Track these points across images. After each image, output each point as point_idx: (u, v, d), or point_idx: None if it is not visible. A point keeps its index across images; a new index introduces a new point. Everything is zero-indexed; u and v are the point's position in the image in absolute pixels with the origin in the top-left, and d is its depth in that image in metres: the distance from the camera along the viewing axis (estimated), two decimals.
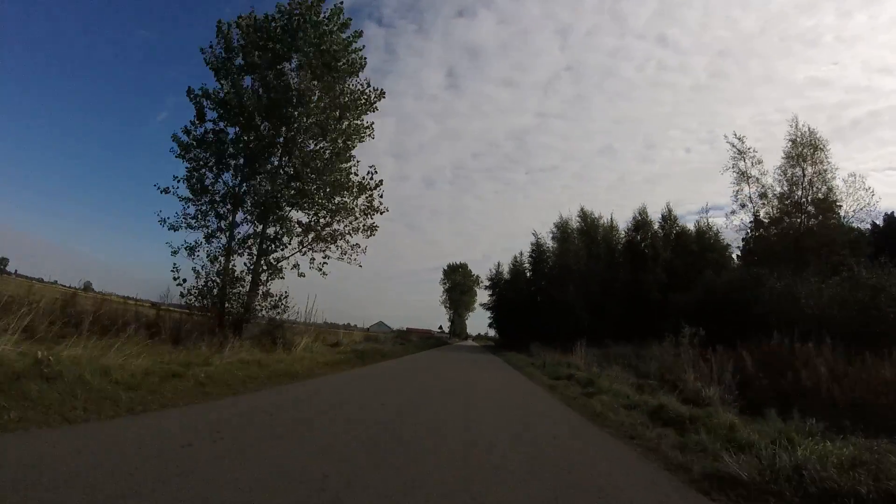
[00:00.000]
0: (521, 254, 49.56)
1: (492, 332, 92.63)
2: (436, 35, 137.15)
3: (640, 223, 39.19)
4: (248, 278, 13.88)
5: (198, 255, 13.65)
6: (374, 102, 14.99)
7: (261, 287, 13.68)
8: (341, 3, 14.72)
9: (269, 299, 13.72)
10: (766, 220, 28.45)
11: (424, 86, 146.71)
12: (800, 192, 27.56)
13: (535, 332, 34.66)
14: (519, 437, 6.00)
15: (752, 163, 29.80)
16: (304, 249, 14.16)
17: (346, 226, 14.38)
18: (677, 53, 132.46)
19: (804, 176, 27.87)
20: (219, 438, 4.40)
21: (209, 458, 3.80)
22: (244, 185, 14.13)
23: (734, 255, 34.77)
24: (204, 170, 14.04)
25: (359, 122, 14.69)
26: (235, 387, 7.63)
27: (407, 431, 5.76)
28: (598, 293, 33.09)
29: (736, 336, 14.09)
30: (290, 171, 14.41)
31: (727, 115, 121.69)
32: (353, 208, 14.36)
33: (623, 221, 40.42)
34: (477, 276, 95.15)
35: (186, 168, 14.06)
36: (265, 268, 13.73)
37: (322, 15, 14.38)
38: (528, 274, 44.14)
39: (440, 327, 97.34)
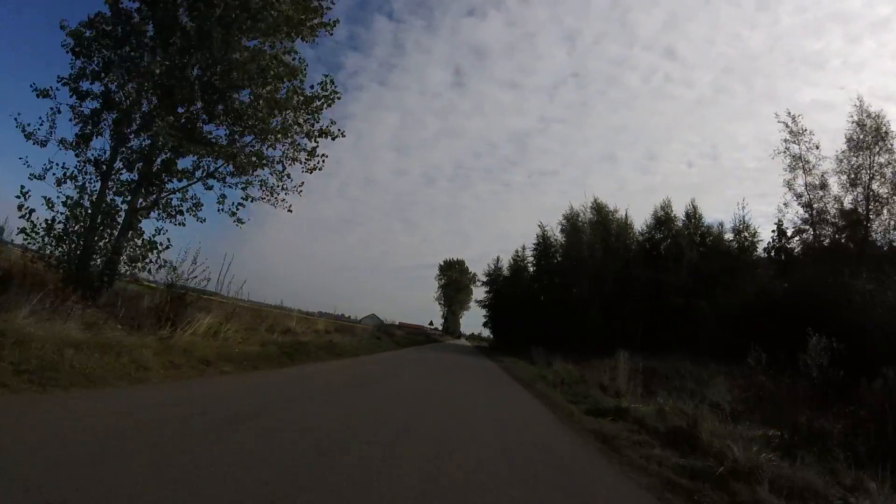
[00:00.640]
0: (524, 248, 44.78)
1: (486, 333, 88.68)
2: (444, 32, 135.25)
3: (663, 220, 34.41)
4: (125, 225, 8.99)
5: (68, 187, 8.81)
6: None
7: (132, 236, 8.80)
8: None
9: (137, 248, 8.80)
10: (831, 214, 23.68)
11: (429, 82, 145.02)
12: (868, 182, 22.92)
13: (537, 334, 29.85)
14: None
15: (808, 147, 25.21)
16: (206, 176, 9.28)
17: (282, 150, 9.54)
18: (683, 67, 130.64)
19: (871, 165, 23.23)
20: None
21: None
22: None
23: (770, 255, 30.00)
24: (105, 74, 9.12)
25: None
26: None
27: None
28: (614, 292, 28.25)
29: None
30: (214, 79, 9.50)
31: (729, 132, 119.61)
32: (292, 125, 9.48)
33: (638, 221, 35.62)
34: (473, 274, 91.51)
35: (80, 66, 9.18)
36: (146, 204, 8.87)
37: None
38: (530, 269, 39.19)
39: (430, 322, 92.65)
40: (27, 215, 8.49)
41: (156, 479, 2.64)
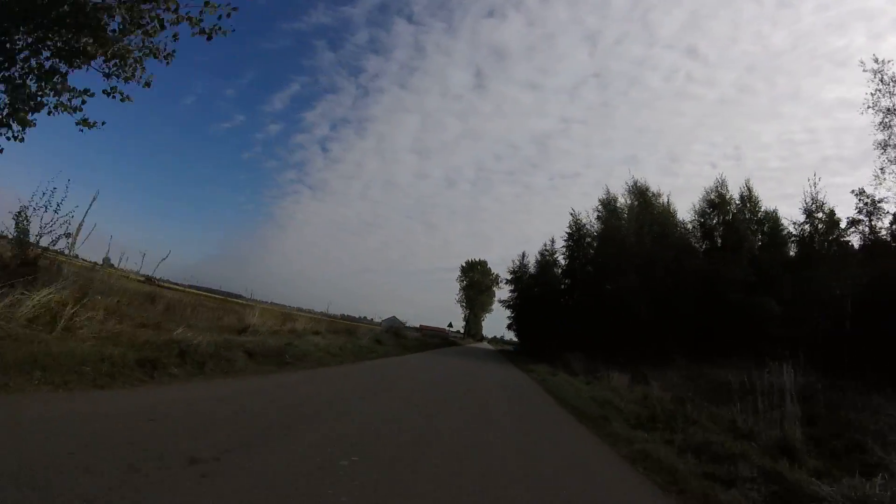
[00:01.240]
0: (552, 241, 40.37)
1: (509, 336, 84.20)
2: (464, 34, 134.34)
3: (717, 203, 29.67)
4: None
5: None
6: None
7: None
8: None
9: None
10: None
11: (449, 84, 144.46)
12: None
13: (571, 337, 25.64)
14: None
15: None
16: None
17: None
18: (705, 66, 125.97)
19: None
20: None
21: None
22: None
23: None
24: None
25: None
26: None
27: None
28: (666, 286, 23.78)
29: None
30: None
31: (753, 132, 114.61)
32: None
33: (682, 209, 30.92)
34: (496, 275, 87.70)
35: None
36: None
37: None
38: (562, 262, 34.64)
39: (450, 324, 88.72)
40: None
41: None
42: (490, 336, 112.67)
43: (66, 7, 5.20)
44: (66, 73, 5.82)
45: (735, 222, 28.75)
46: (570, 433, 6.99)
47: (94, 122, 5.98)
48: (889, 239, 24.49)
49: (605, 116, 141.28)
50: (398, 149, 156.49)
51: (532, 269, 45.78)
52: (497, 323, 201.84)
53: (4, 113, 5.52)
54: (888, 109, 20.26)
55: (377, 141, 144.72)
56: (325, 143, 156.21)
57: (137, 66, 5.99)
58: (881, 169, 20.56)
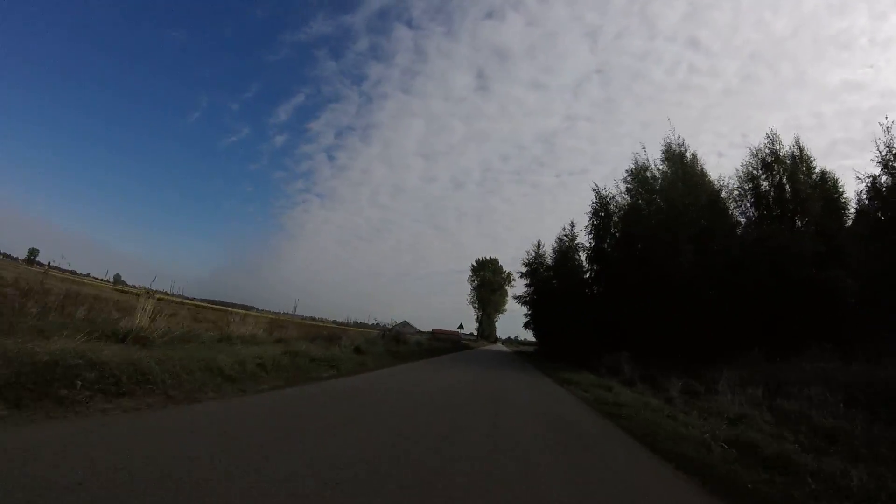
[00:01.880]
0: (572, 225, 35.43)
1: (524, 335, 79.07)
2: (464, 37, 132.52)
3: (770, 162, 24.71)
4: None
5: None
6: None
7: None
8: None
9: None
10: None
11: (452, 87, 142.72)
12: None
13: (609, 334, 20.81)
14: None
15: None
16: None
17: None
18: (708, 56, 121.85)
19: None
20: None
21: None
22: None
23: None
24: None
25: None
26: None
27: None
28: (724, 264, 18.85)
29: None
30: None
31: (758, 120, 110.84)
32: None
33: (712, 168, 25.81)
34: (508, 273, 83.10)
35: None
36: None
37: None
38: (588, 244, 29.25)
39: (460, 326, 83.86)
40: None
41: None
42: (504, 337, 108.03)
43: None
44: None
45: (794, 184, 23.81)
46: None
47: None
48: None
49: (609, 112, 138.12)
50: (404, 153, 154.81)
51: (549, 259, 40.92)
52: (511, 323, 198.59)
53: None
54: None
55: (383, 147, 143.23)
56: (332, 152, 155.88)
57: None
58: None
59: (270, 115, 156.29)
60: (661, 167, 25.13)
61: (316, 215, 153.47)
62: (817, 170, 25.40)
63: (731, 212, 24.30)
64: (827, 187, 24.64)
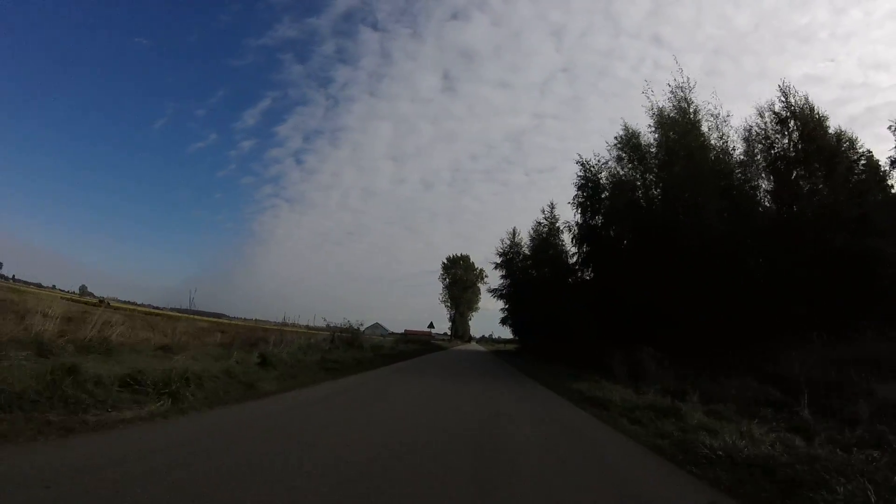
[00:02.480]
0: (552, 206, 31.17)
1: (499, 332, 75.15)
2: (430, 38, 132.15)
3: (785, 117, 21.10)
4: None
5: None
6: None
7: None
8: None
9: None
10: None
11: (419, 89, 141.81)
12: None
13: (617, 328, 16.45)
14: None
15: None
16: None
17: None
18: (672, 52, 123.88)
19: None
20: None
21: None
22: None
23: None
24: None
25: None
26: None
27: None
28: (760, 230, 14.71)
29: None
30: None
31: (724, 112, 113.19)
32: None
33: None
34: (480, 270, 79.28)
35: None
36: None
37: None
38: (575, 224, 24.73)
39: (430, 325, 79.25)
40: None
41: None
42: (479, 336, 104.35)
43: None
44: None
45: (817, 142, 20.28)
46: None
47: None
48: None
49: (576, 110, 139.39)
50: (374, 156, 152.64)
51: (527, 249, 36.65)
52: (485, 322, 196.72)
53: None
54: None
55: (352, 150, 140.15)
56: (300, 156, 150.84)
57: None
58: None
59: (237, 120, 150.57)
60: (671, 114, 21.01)
61: (286, 220, 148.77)
62: (831, 130, 22.19)
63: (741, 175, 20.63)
64: (846, 145, 21.49)
